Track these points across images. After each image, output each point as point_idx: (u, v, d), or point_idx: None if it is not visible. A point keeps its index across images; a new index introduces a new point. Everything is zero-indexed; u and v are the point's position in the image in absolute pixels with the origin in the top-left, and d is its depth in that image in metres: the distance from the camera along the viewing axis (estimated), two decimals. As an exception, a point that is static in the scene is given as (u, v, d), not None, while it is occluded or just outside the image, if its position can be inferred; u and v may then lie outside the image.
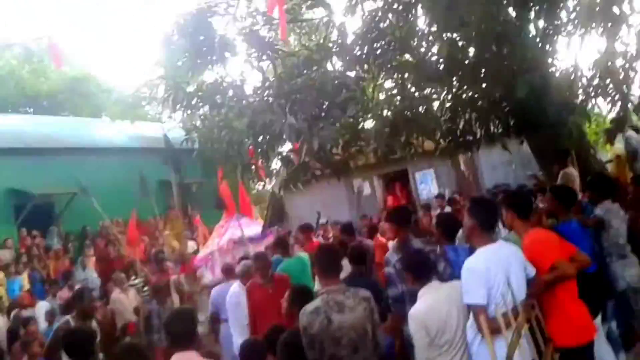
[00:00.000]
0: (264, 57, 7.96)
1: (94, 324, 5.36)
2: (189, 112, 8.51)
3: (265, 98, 7.80)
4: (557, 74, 6.92)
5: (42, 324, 7.61)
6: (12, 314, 8.30)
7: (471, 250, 3.70)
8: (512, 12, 6.83)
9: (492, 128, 7.84)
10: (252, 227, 9.40)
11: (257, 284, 5.97)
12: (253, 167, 8.55)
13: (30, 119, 18.60)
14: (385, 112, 7.47)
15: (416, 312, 3.62)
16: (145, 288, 9.17)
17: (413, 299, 4.20)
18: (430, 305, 3.58)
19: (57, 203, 14.47)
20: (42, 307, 8.58)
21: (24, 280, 10.67)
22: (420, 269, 3.80)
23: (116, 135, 17.64)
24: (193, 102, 8.08)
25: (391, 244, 5.40)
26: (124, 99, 22.96)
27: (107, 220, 13.38)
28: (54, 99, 23.19)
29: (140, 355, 3.44)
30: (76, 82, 24.27)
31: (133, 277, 9.41)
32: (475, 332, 3.28)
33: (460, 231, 4.78)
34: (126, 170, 15.70)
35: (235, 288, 6.51)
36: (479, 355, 3.27)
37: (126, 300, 8.45)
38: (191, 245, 13.13)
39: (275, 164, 8.93)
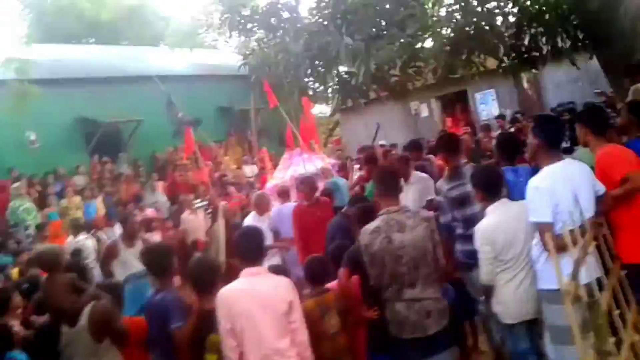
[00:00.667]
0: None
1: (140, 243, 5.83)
2: (244, 37, 8.48)
3: (321, 19, 7.64)
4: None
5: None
6: (91, 233, 8.90)
7: (534, 171, 3.64)
8: None
9: (559, 43, 7.43)
10: (315, 161, 9.45)
11: (303, 206, 6.26)
12: (310, 91, 8.53)
13: (93, 48, 19.06)
14: (445, 30, 7.19)
15: (484, 226, 3.65)
16: (209, 210, 9.59)
17: (465, 224, 4.28)
18: (498, 220, 3.60)
19: (124, 130, 15.03)
20: (117, 229, 9.16)
21: (98, 204, 11.36)
22: (491, 186, 3.78)
23: (176, 62, 17.87)
24: (248, 26, 8.04)
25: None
26: (181, 27, 23.05)
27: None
28: (113, 27, 23.48)
29: (211, 268, 3.68)
30: (134, 10, 24.49)
31: (198, 200, 9.82)
32: (541, 250, 3.28)
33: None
34: (186, 97, 16.04)
35: (249, 219, 6.90)
36: (544, 272, 3.28)
37: (196, 220, 8.91)
38: (251, 169, 13.48)
39: (332, 88, 8.84)
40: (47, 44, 17.67)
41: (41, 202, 10.89)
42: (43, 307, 4.42)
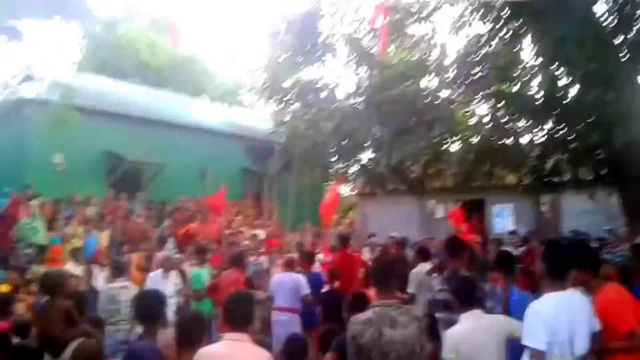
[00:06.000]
0: (363, 64, 8.08)
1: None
2: (281, 106, 8.81)
3: (356, 105, 7.92)
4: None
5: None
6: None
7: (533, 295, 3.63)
8: (626, 55, 6.50)
9: (581, 174, 7.56)
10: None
11: None
12: (331, 170, 8.69)
13: (136, 88, 19.64)
14: (472, 138, 7.39)
15: (452, 333, 3.70)
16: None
17: (449, 327, 4.22)
18: (467, 329, 3.64)
19: (146, 172, 15.25)
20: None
21: (102, 238, 11.31)
22: (466, 296, 3.84)
23: (211, 116, 18.34)
24: (287, 97, 8.37)
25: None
26: (224, 84, 23.72)
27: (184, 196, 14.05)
28: (160, 73, 24.38)
29: (199, 324, 3.66)
30: (183, 62, 25.51)
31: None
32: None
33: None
34: (213, 151, 16.39)
35: (154, 275, 7.57)
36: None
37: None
38: (259, 233, 13.45)
39: (353, 171, 9.00)
40: (95, 75, 18.33)
41: (50, 225, 10.92)
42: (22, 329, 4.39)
